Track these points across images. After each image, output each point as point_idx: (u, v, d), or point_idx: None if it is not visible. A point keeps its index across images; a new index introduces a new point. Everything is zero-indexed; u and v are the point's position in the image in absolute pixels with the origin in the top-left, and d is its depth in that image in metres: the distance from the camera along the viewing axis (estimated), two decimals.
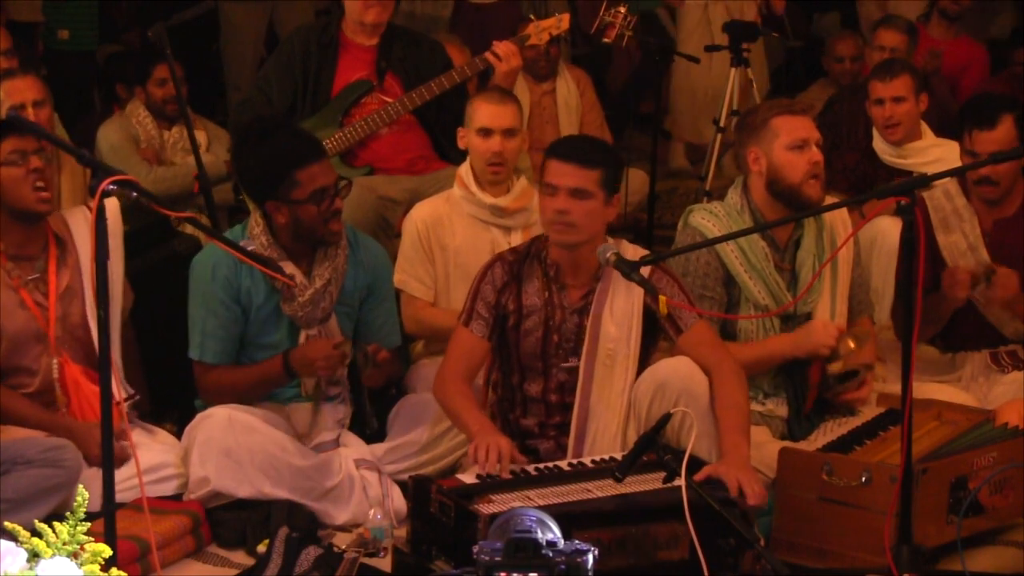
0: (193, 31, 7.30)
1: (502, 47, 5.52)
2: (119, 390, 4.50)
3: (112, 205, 4.60)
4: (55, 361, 4.44)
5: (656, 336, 4.36)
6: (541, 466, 4.02)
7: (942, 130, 6.03)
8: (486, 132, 4.89)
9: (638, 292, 4.21)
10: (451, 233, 4.93)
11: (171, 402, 4.90)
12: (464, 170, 4.99)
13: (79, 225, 4.56)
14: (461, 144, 5.01)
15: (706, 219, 4.56)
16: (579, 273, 4.28)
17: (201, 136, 6.28)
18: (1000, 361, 5.01)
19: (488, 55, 5.54)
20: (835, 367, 4.48)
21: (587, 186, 4.16)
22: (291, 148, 4.41)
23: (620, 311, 4.24)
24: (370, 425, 4.53)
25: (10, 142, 4.39)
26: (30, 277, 4.47)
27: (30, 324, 4.43)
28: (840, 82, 7.70)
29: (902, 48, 6.89)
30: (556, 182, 4.16)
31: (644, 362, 4.29)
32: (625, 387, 4.21)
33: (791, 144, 4.46)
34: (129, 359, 4.77)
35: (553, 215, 4.17)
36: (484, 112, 4.91)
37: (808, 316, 4.57)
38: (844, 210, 4.69)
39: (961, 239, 4.98)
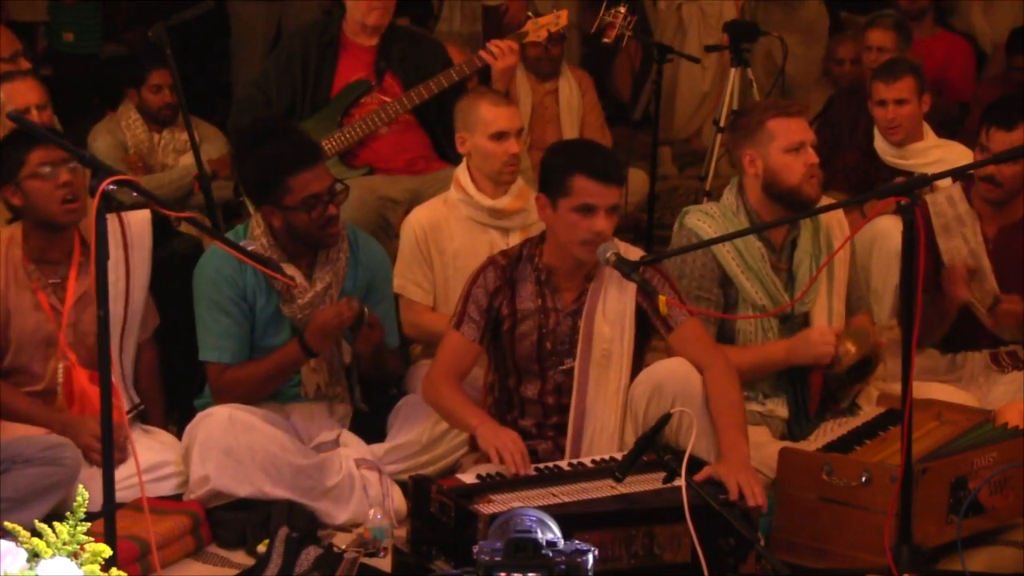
0: (193, 31, 7.29)
1: (499, 44, 5.51)
2: (122, 398, 4.50)
3: (142, 217, 4.60)
4: (61, 366, 4.44)
5: (648, 334, 4.35)
6: (541, 466, 4.02)
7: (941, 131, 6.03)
8: (502, 135, 4.86)
9: (630, 291, 4.20)
10: (449, 236, 4.92)
11: (171, 402, 4.89)
12: (461, 172, 4.96)
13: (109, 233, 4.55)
14: (463, 149, 4.94)
15: (702, 220, 4.55)
16: (573, 276, 4.27)
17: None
18: (1000, 361, 5.02)
19: (483, 53, 5.53)
20: (839, 368, 4.48)
21: (618, 201, 4.19)
22: (283, 154, 4.38)
23: (612, 311, 4.23)
24: (358, 406, 4.56)
25: (38, 154, 4.35)
26: (51, 281, 4.48)
27: (42, 327, 4.45)
28: (839, 84, 7.69)
29: (891, 46, 6.85)
30: (596, 202, 4.10)
31: (638, 361, 4.29)
32: (620, 386, 4.21)
33: (788, 147, 4.45)
34: (151, 374, 4.75)
35: (592, 236, 4.11)
36: (498, 116, 4.87)
37: (806, 316, 4.57)
38: (840, 210, 4.68)
39: (962, 244, 4.98)
